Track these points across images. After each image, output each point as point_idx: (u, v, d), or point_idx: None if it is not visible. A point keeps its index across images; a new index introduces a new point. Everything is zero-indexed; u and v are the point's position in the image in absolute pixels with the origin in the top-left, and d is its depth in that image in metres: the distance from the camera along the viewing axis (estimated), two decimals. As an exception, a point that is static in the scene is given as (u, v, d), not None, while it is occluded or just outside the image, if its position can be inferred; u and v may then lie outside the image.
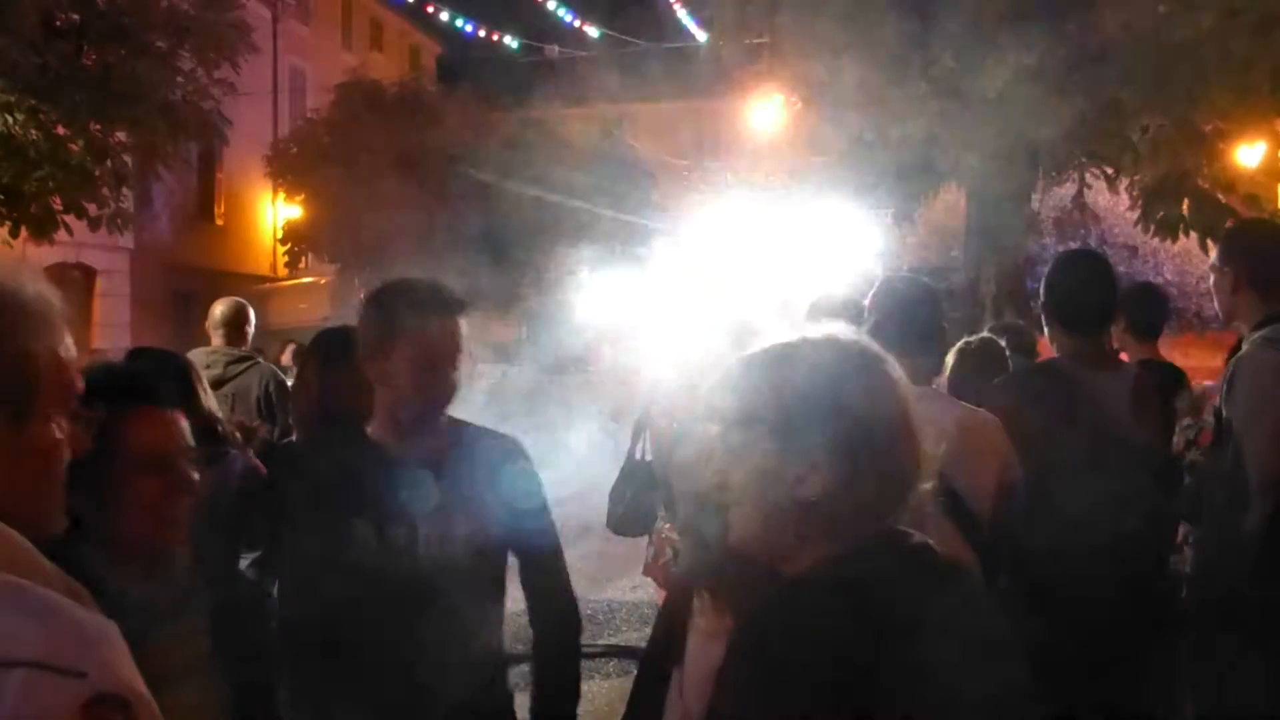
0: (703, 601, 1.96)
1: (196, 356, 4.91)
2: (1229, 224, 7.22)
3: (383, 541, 2.43)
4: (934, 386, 3.19)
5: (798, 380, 1.46)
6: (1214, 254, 3.49)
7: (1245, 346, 3.17)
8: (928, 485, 1.53)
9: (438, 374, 2.45)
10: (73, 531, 1.59)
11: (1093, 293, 3.36)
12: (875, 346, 1.53)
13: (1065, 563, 2.97)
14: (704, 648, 1.92)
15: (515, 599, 2.59)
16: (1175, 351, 5.51)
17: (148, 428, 1.89)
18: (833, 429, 1.42)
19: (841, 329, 1.55)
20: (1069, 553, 2.98)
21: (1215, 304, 3.45)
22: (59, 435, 1.28)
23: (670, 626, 2.03)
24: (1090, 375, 3.21)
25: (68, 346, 1.30)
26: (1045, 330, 3.48)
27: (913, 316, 3.06)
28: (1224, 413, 3.13)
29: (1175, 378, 4.51)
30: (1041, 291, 3.43)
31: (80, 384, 1.31)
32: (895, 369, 1.52)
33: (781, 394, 1.47)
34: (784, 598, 1.45)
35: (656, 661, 2.05)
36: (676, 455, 2.17)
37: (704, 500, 1.85)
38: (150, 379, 2.14)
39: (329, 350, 3.52)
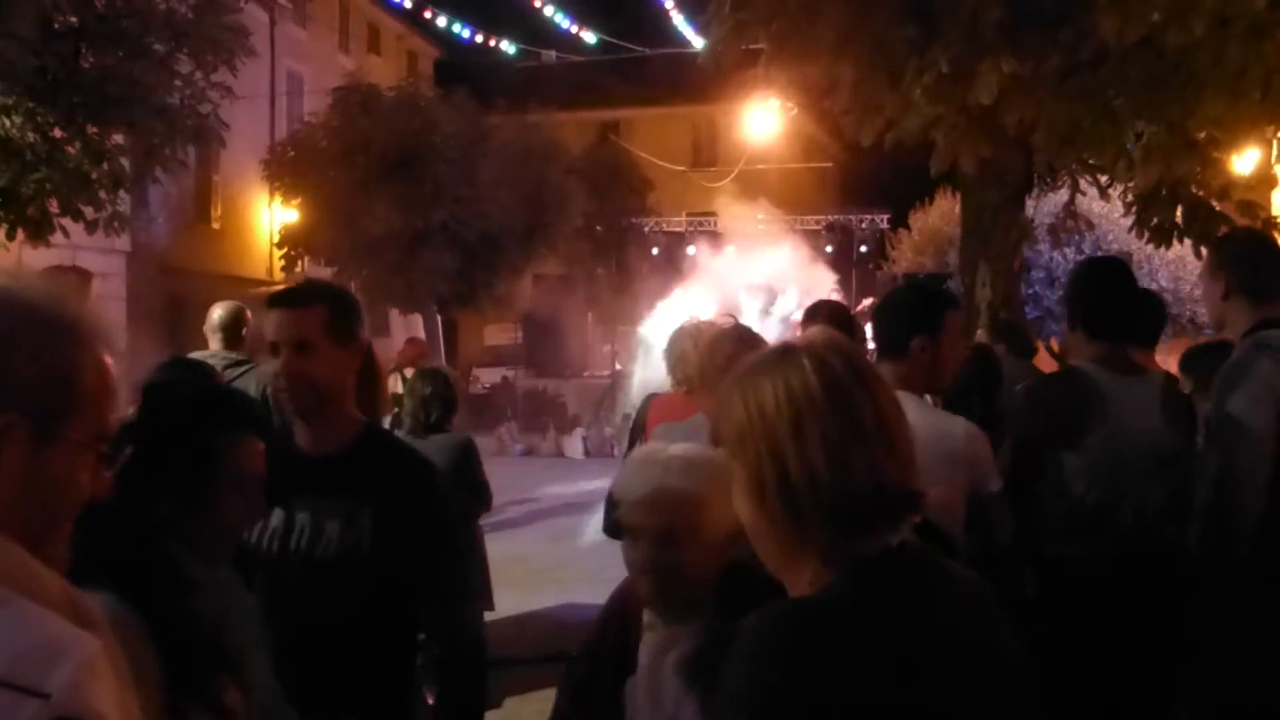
0: (652, 615, 2.09)
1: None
2: (1222, 231, 7.27)
3: (261, 534, 2.50)
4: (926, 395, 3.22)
5: (781, 391, 1.46)
6: (1199, 263, 3.53)
7: (1235, 352, 3.20)
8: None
9: (283, 361, 2.53)
10: (160, 527, 1.91)
11: (1116, 299, 3.39)
12: (859, 353, 1.54)
13: (1097, 568, 2.99)
14: (655, 656, 2.04)
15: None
16: (1171, 358, 5.53)
17: (250, 457, 2.09)
18: (818, 436, 1.42)
19: (832, 335, 1.56)
20: (1101, 558, 3.00)
21: (1206, 311, 3.48)
22: (80, 469, 1.25)
23: (625, 630, 2.13)
24: (1116, 380, 3.24)
25: (113, 383, 1.28)
26: (1068, 335, 3.50)
27: (896, 325, 3.12)
28: (1214, 417, 3.16)
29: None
30: (1065, 299, 3.46)
31: (115, 427, 1.32)
32: (877, 375, 1.52)
33: (740, 415, 1.48)
34: (787, 620, 1.43)
35: (600, 660, 2.16)
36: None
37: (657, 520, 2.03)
38: (258, 411, 2.46)
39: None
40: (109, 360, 1.28)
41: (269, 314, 2.58)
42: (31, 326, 1.21)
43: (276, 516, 2.50)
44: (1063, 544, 3.15)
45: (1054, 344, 10.74)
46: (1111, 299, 3.38)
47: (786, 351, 1.51)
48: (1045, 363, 7.31)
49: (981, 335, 7.99)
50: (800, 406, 1.44)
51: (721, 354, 3.02)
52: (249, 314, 5.65)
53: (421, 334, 21.97)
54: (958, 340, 3.19)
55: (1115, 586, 3.06)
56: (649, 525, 2.04)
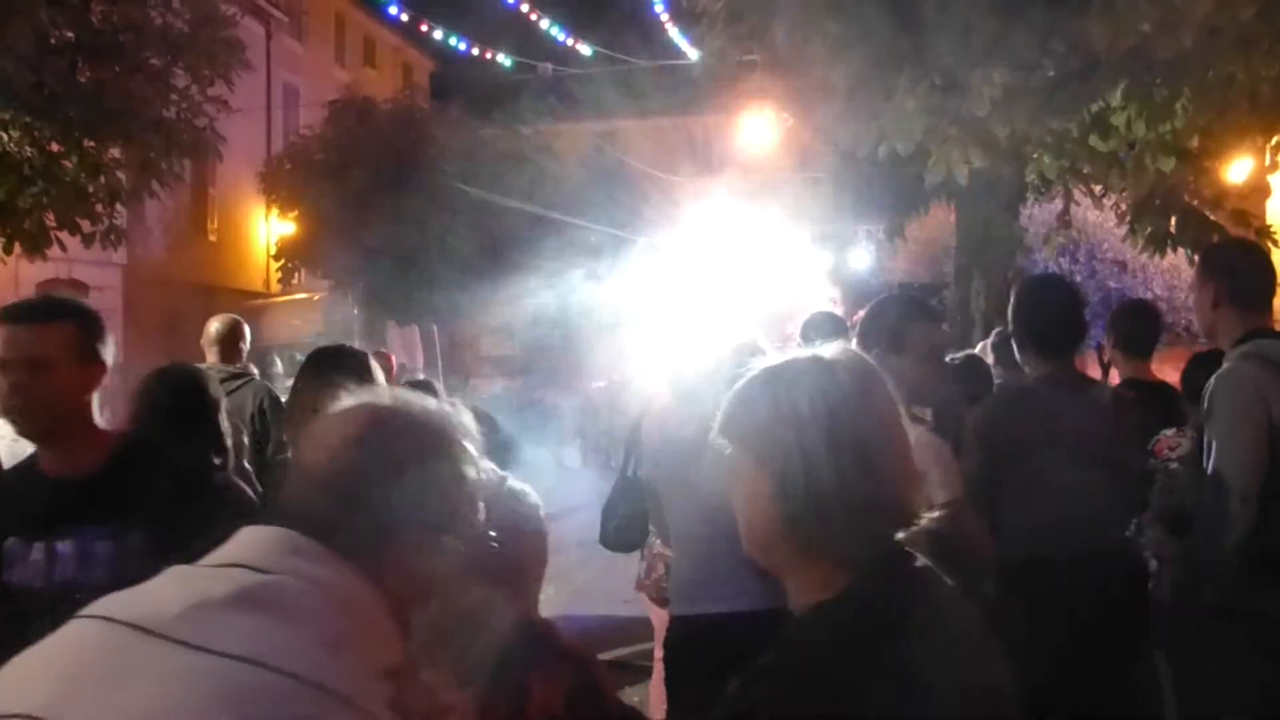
0: None
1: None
2: (1215, 239, 7.31)
3: (23, 571, 2.38)
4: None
5: (785, 400, 1.50)
6: (1192, 272, 3.56)
7: (1225, 361, 3.23)
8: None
9: (13, 381, 2.41)
10: None
11: (1062, 317, 3.45)
12: (867, 362, 1.59)
13: (1045, 574, 3.04)
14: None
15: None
16: (1166, 366, 5.56)
17: None
18: (852, 443, 1.47)
19: (856, 351, 1.61)
20: (1048, 564, 3.04)
21: (1195, 320, 3.51)
22: (452, 563, 1.43)
23: None
24: (1063, 396, 3.29)
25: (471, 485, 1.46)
26: (1018, 354, 3.55)
27: (864, 337, 3.15)
28: (1204, 426, 3.18)
29: (1162, 395, 4.56)
30: (1010, 317, 3.51)
31: (482, 515, 1.47)
32: (884, 385, 1.57)
33: (769, 413, 1.51)
34: (803, 633, 1.48)
35: None
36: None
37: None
38: None
39: (322, 365, 3.56)
40: (474, 458, 1.47)
41: (2, 329, 2.44)
42: (423, 446, 1.40)
43: (36, 550, 2.38)
44: (1019, 551, 3.19)
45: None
46: (1056, 318, 3.43)
47: (818, 359, 1.56)
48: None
49: (979, 345, 8.02)
50: (837, 412, 1.48)
51: (728, 368, 3.03)
52: (245, 327, 5.67)
53: (419, 346, 21.99)
54: (930, 352, 3.16)
55: (1069, 589, 3.10)
56: None
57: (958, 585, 1.60)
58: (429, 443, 1.41)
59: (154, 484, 2.45)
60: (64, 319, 2.48)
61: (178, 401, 3.42)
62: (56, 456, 2.50)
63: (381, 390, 1.55)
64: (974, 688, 1.44)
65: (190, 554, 1.46)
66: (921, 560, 1.55)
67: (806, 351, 1.59)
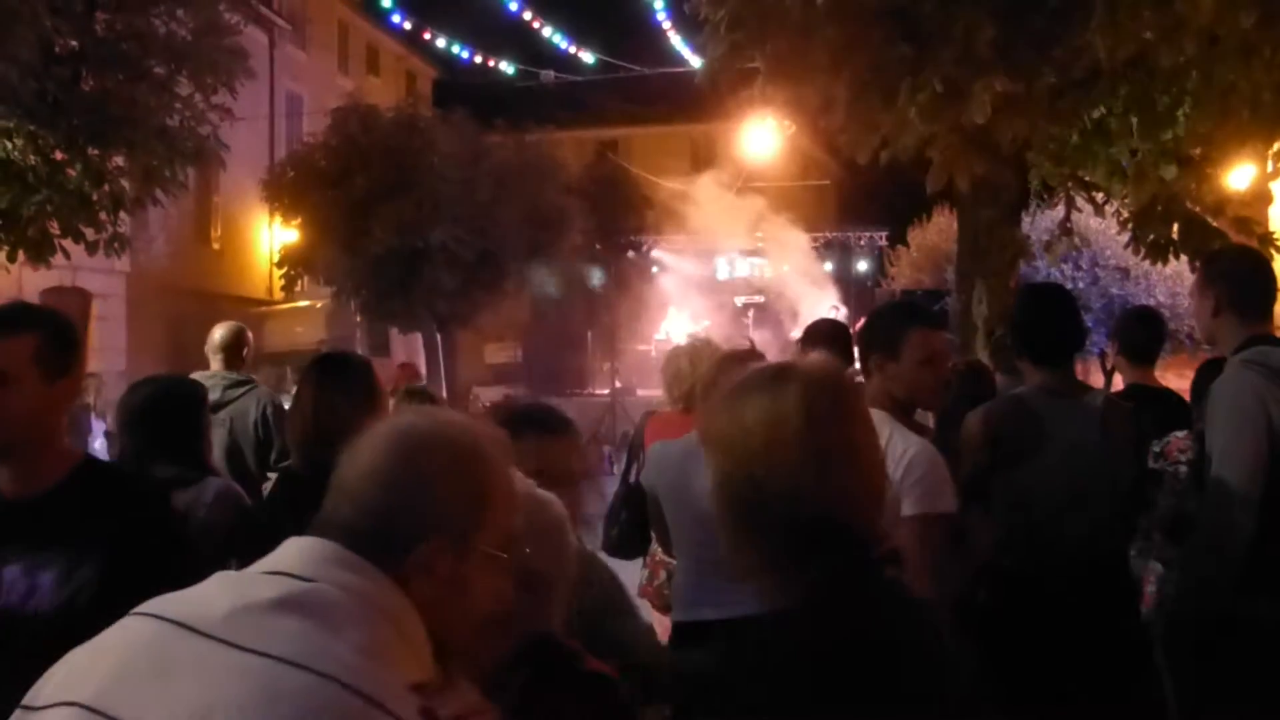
0: None
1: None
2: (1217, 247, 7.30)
3: None
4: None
5: (762, 412, 1.56)
6: (1193, 279, 3.57)
7: (1225, 369, 3.23)
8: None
9: None
10: None
11: (1058, 326, 3.46)
12: (841, 376, 1.64)
13: (1036, 583, 3.05)
14: None
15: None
16: (1169, 373, 5.58)
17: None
18: (784, 460, 1.52)
19: (828, 364, 1.65)
20: (1040, 573, 3.05)
21: (1196, 327, 3.52)
22: (491, 576, 1.46)
23: None
24: (1057, 405, 3.30)
25: (516, 497, 1.52)
26: (1016, 362, 3.57)
27: (866, 343, 3.17)
28: (1204, 434, 3.19)
29: (1166, 401, 4.56)
30: (1009, 327, 3.52)
31: (517, 536, 1.51)
32: (858, 399, 1.63)
33: (735, 424, 1.57)
34: (775, 634, 1.53)
35: None
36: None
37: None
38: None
39: (325, 373, 3.58)
40: (512, 474, 1.52)
41: None
42: (453, 460, 1.44)
43: None
44: (1011, 559, 3.20)
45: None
46: (1051, 326, 3.45)
47: (779, 374, 1.60)
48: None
49: (980, 352, 8.02)
50: (775, 430, 1.53)
51: (726, 375, 3.03)
52: (249, 335, 5.69)
53: (421, 353, 22.02)
54: (928, 358, 3.19)
55: (1061, 598, 3.11)
56: None
57: (931, 597, 1.64)
58: (463, 459, 1.46)
59: (112, 507, 2.35)
60: (28, 330, 2.31)
61: (158, 414, 3.43)
62: (14, 475, 2.35)
63: (423, 409, 1.59)
64: (931, 697, 1.46)
65: (146, 585, 1.47)
66: (885, 572, 1.61)
67: (781, 364, 1.65)
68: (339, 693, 1.25)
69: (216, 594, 1.36)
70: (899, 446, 3.00)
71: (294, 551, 1.41)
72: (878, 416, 3.02)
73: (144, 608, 1.37)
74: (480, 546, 1.44)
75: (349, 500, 1.43)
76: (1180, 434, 3.88)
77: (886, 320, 3.32)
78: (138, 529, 2.33)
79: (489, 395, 27.01)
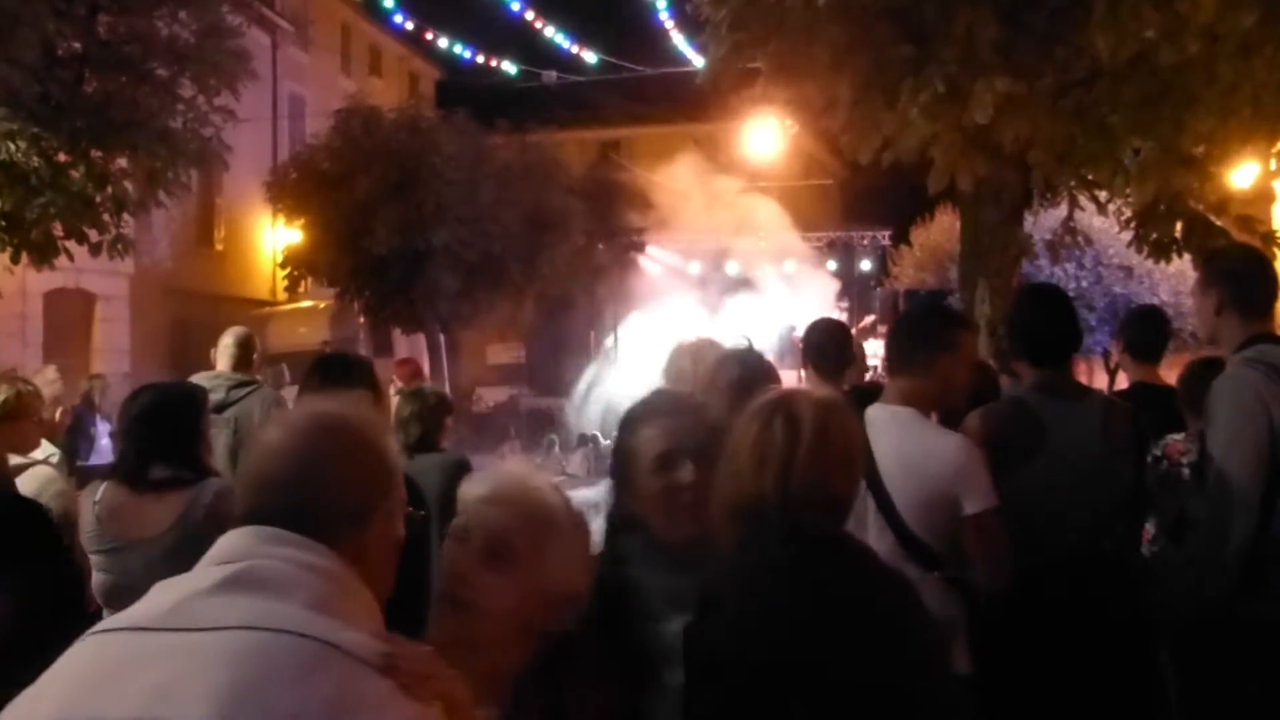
0: None
1: (199, 381, 4.99)
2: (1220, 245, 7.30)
3: None
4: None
5: (754, 437, 2.06)
6: (1196, 277, 3.57)
7: (1227, 368, 3.23)
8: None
9: None
10: None
11: (1057, 327, 3.47)
12: (839, 402, 2.15)
13: (1037, 583, 3.05)
14: None
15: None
16: (1172, 371, 5.56)
17: None
18: (787, 469, 2.02)
19: (817, 391, 2.23)
20: (1040, 573, 3.06)
21: (1197, 325, 3.52)
22: (399, 525, 1.63)
23: None
24: (1055, 406, 3.30)
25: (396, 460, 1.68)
26: (1013, 362, 3.58)
27: (912, 341, 3.20)
28: (1205, 433, 3.19)
29: (1170, 399, 4.55)
30: (1007, 327, 3.53)
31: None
32: (851, 422, 2.13)
33: (743, 446, 2.06)
34: (738, 570, 2.03)
35: None
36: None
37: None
38: None
39: (329, 374, 3.60)
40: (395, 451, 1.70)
41: None
42: (357, 438, 1.59)
43: None
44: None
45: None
46: (1050, 327, 3.46)
47: (774, 407, 2.10)
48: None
49: (984, 352, 8.01)
50: (759, 452, 2.06)
51: (725, 375, 3.05)
52: (256, 339, 5.72)
53: (424, 354, 22.03)
54: (971, 359, 3.30)
55: (1062, 599, 3.12)
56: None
57: (895, 574, 2.16)
58: (365, 437, 1.60)
59: (13, 542, 2.37)
60: None
61: (155, 419, 3.52)
62: None
63: (320, 399, 1.76)
64: (864, 651, 1.87)
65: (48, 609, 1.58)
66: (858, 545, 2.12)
67: (774, 398, 2.12)
68: (295, 641, 1.31)
69: (159, 595, 1.41)
70: (943, 445, 3.06)
71: (225, 544, 1.48)
72: (908, 416, 3.08)
73: (94, 629, 1.42)
74: (394, 503, 1.60)
75: (266, 487, 1.53)
76: (1177, 436, 3.88)
77: (937, 321, 3.38)
78: (32, 557, 2.40)
79: (492, 396, 27.05)
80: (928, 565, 2.97)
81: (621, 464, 2.31)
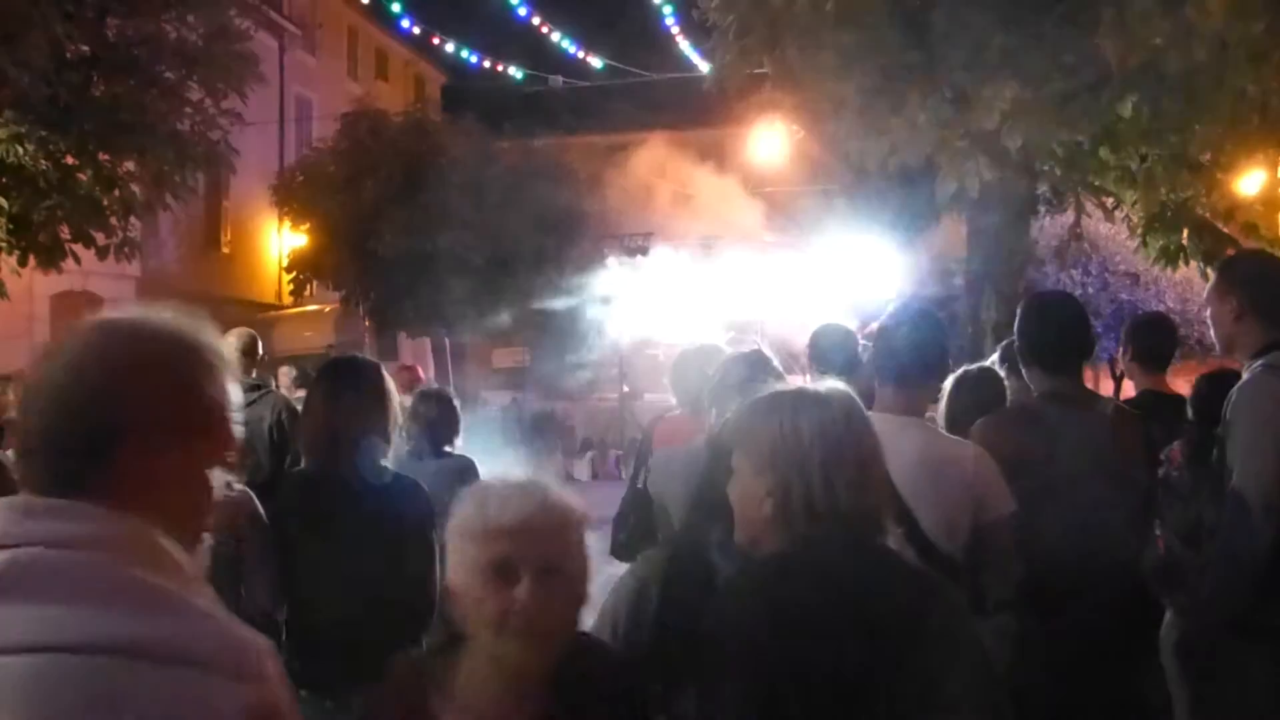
0: None
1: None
2: (1229, 253, 7.29)
3: None
4: (928, 416, 3.26)
5: (788, 425, 1.94)
6: (1210, 284, 3.54)
7: (1246, 374, 3.21)
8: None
9: None
10: None
11: (1067, 335, 3.44)
12: (851, 397, 2.03)
13: (1049, 592, 3.04)
14: None
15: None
16: (1179, 379, 5.54)
17: None
18: (815, 467, 1.90)
19: (828, 386, 2.05)
20: (1052, 582, 3.05)
21: (1213, 334, 3.48)
22: (209, 477, 1.34)
23: None
24: (1064, 414, 3.29)
25: (229, 399, 1.38)
26: (1023, 370, 3.55)
27: (914, 351, 3.16)
28: (1225, 440, 3.16)
29: (1179, 407, 4.53)
30: (1016, 335, 3.51)
31: (236, 436, 1.40)
32: (864, 422, 2.01)
33: (773, 434, 1.95)
34: (753, 571, 1.96)
35: None
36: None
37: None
38: None
39: (336, 377, 3.59)
40: (227, 379, 1.38)
41: None
42: (157, 350, 1.30)
43: None
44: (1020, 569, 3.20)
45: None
46: (1061, 335, 3.43)
47: (812, 393, 2.01)
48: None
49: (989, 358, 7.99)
50: (832, 439, 1.93)
51: (734, 376, 3.04)
52: (259, 341, 5.72)
53: (429, 358, 22.03)
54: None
55: (1071, 607, 3.11)
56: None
57: (925, 574, 2.12)
58: (169, 350, 1.32)
59: None
60: None
61: None
62: None
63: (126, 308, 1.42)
64: (878, 646, 1.79)
65: None
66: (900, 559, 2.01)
67: (804, 386, 2.10)
68: (117, 665, 1.06)
69: None
70: (961, 454, 3.07)
71: None
72: (919, 425, 3.10)
73: None
74: (197, 444, 1.31)
75: (44, 401, 1.24)
76: (1179, 443, 3.86)
77: (943, 329, 3.36)
78: None
79: (498, 400, 27.04)
80: (948, 575, 2.94)
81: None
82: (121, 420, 1.23)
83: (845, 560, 1.87)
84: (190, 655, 1.11)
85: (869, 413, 2.22)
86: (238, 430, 1.39)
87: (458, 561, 1.89)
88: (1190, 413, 4.06)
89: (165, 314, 1.36)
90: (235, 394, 1.39)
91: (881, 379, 3.22)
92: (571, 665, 1.86)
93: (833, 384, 2.05)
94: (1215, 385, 3.82)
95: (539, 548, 1.84)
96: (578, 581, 1.88)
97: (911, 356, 3.12)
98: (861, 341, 4.65)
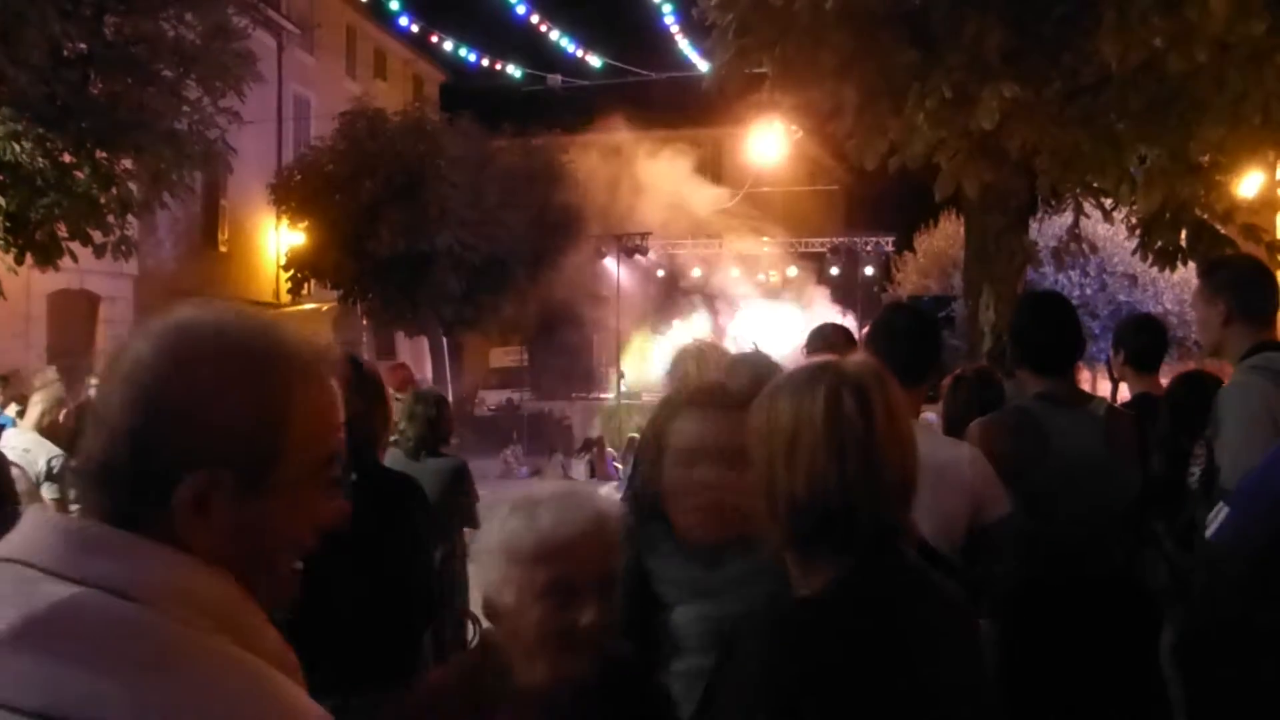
0: None
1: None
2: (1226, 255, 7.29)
3: None
4: (924, 417, 3.25)
5: (790, 412, 1.63)
6: (1197, 288, 3.55)
7: (1234, 376, 3.22)
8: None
9: None
10: None
11: (1059, 335, 3.45)
12: (881, 384, 1.67)
13: (1042, 593, 3.04)
14: None
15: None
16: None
17: None
18: (806, 460, 1.60)
19: (864, 365, 1.71)
20: (1045, 583, 3.05)
21: (1200, 337, 3.49)
22: (297, 507, 1.09)
23: None
24: (1058, 414, 3.29)
25: (332, 409, 1.14)
26: (1016, 371, 3.56)
27: (905, 349, 3.14)
28: (1212, 441, 3.17)
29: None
30: (1009, 336, 3.51)
31: (342, 446, 1.15)
32: (890, 408, 1.66)
33: (777, 419, 1.65)
34: (799, 614, 1.62)
35: None
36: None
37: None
38: None
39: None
40: (329, 384, 1.15)
41: None
42: (239, 371, 1.06)
43: None
44: (1017, 569, 3.20)
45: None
46: (1052, 335, 3.44)
47: (814, 374, 1.67)
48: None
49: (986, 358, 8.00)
50: (799, 430, 1.61)
51: (737, 378, 3.04)
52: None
53: (427, 357, 22.04)
54: None
55: (1067, 608, 3.11)
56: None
57: (957, 592, 1.79)
58: (254, 368, 1.08)
59: None
60: None
61: None
62: None
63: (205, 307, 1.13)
64: (948, 683, 1.56)
65: None
66: (913, 559, 1.69)
67: (821, 359, 1.71)
68: None
69: None
70: (958, 456, 3.05)
71: (32, 535, 1.02)
72: (917, 427, 3.06)
73: None
74: (280, 477, 1.06)
75: (102, 424, 1.04)
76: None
77: (937, 329, 3.36)
78: None
79: (494, 399, 27.05)
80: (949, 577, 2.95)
81: (647, 446, 2.34)
82: (186, 459, 1.02)
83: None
84: None
85: None
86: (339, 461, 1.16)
87: (505, 580, 1.76)
88: (1167, 416, 4.06)
89: (257, 316, 1.14)
90: (330, 398, 1.15)
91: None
92: (615, 670, 1.84)
93: (865, 358, 1.79)
94: (1191, 388, 3.83)
95: (599, 565, 1.76)
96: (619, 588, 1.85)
97: (906, 357, 3.11)
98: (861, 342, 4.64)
